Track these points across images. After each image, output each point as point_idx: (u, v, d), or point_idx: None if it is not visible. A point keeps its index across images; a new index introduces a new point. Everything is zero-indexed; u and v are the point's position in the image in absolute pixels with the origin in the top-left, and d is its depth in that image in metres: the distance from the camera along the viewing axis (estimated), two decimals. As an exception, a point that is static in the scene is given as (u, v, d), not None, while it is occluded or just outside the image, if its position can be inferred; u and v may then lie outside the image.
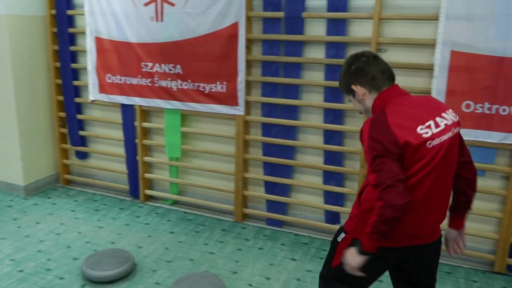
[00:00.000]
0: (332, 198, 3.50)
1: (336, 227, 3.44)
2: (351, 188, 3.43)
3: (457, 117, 1.80)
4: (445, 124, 1.70)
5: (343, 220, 3.52)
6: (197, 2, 3.41)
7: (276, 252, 3.27)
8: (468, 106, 2.91)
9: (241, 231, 3.59)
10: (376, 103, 1.78)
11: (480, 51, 2.79)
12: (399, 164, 1.62)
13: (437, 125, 1.68)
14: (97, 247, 3.27)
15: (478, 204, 3.12)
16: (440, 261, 3.20)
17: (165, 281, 2.87)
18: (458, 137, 1.80)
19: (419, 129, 1.65)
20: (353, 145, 3.36)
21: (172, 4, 3.49)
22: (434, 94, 2.94)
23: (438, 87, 2.93)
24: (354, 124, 3.32)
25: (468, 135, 2.93)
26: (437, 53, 2.88)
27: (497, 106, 2.84)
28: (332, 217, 3.54)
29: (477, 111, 2.90)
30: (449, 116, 1.74)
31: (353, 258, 1.74)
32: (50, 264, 3.04)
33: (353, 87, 1.82)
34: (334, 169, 3.41)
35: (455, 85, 2.90)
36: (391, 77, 1.83)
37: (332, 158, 3.42)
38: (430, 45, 2.96)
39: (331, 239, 3.39)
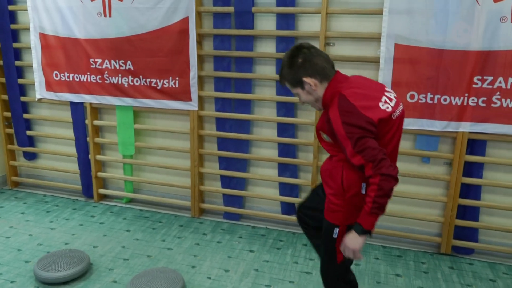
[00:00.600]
0: (287, 189, 3.57)
1: (293, 218, 3.54)
2: (305, 179, 3.51)
3: (394, 93, 1.98)
4: (394, 97, 1.90)
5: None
6: (146, -3, 3.37)
7: (234, 245, 3.31)
8: (412, 97, 3.05)
9: (199, 226, 3.60)
10: (328, 91, 1.88)
11: (421, 43, 2.93)
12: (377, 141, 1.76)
13: (390, 99, 1.86)
14: (50, 249, 3.19)
15: (424, 189, 3.30)
16: (390, 245, 3.37)
17: (123, 279, 2.84)
18: (404, 113, 1.98)
19: (381, 106, 1.81)
20: (306, 137, 3.45)
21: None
22: (380, 86, 3.07)
23: (384, 79, 3.05)
24: (306, 117, 3.41)
25: (413, 124, 3.08)
26: (382, 46, 3.00)
27: (438, 96, 2.99)
28: (288, 208, 3.61)
29: (420, 101, 3.04)
30: (391, 93, 1.93)
31: (355, 241, 1.80)
32: (0, 268, 2.93)
33: (304, 79, 1.87)
34: (288, 161, 3.48)
35: (400, 76, 3.03)
36: (333, 65, 1.95)
37: (286, 150, 3.49)
38: (375, 38, 3.08)
39: (288, 229, 3.49)
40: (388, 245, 3.34)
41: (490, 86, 2.89)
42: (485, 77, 2.88)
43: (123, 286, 2.76)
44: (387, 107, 1.82)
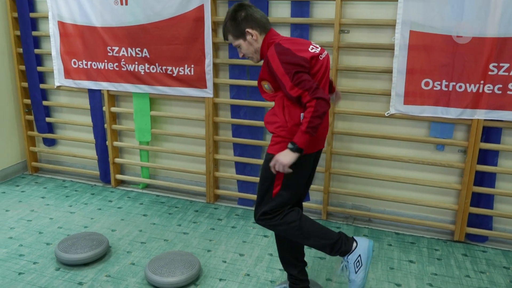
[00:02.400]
0: (300, 176, 3.60)
1: (306, 204, 3.58)
2: (319, 165, 3.50)
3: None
4: (320, 47, 2.20)
5: (313, 197, 3.64)
6: (162, -15, 3.40)
7: (248, 230, 3.37)
8: (427, 84, 3.04)
9: (214, 211, 3.66)
10: (265, 41, 2.19)
11: (437, 30, 2.91)
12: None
13: (316, 47, 2.16)
14: (70, 232, 3.29)
15: (437, 177, 3.30)
16: (404, 232, 3.38)
17: (140, 261, 2.92)
18: (329, 58, 2.27)
19: (310, 49, 2.11)
20: (320, 124, 3.46)
21: (137, -13, 3.48)
22: (395, 73, 3.07)
23: (398, 66, 3.05)
24: (320, 104, 3.42)
25: (428, 111, 3.08)
26: (396, 33, 3.00)
27: (453, 83, 2.98)
28: (301, 195, 3.65)
29: (435, 88, 3.03)
30: (317, 48, 2.19)
31: (287, 157, 2.02)
32: (23, 250, 3.04)
33: (247, 30, 2.16)
34: (302, 148, 3.50)
35: (415, 63, 3.02)
36: (269, 21, 2.24)
37: (300, 137, 3.51)
38: (390, 25, 3.07)
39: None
40: (401, 232, 3.36)
41: (506, 73, 2.87)
42: (501, 64, 2.86)
43: (141, 268, 2.85)
44: (315, 51, 2.13)
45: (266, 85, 2.21)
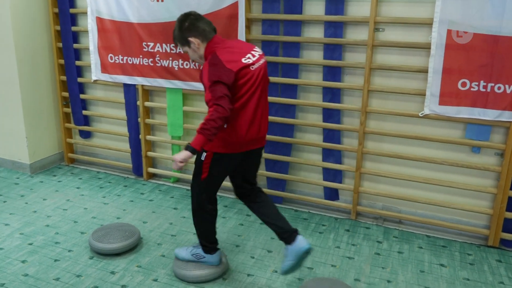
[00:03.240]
0: (330, 175, 3.59)
1: (335, 203, 3.57)
2: (349, 165, 3.51)
3: (261, 51, 2.50)
4: (258, 55, 2.44)
5: (342, 196, 3.62)
6: (197, -18, 3.44)
7: (276, 227, 3.38)
8: (464, 84, 2.97)
9: (243, 207, 3.69)
10: (207, 49, 2.41)
11: (476, 29, 2.83)
12: (229, 89, 2.24)
13: (253, 56, 2.40)
14: (103, 222, 3.38)
15: (472, 180, 3.23)
16: (435, 235, 3.33)
17: (170, 254, 2.98)
18: (266, 65, 2.51)
19: (243, 60, 2.34)
20: (351, 123, 3.44)
21: (173, -16, 3.53)
22: (431, 73, 3.00)
23: (435, 66, 2.99)
24: (352, 103, 3.39)
25: (464, 112, 3.01)
26: (433, 32, 2.93)
27: (492, 84, 2.90)
28: (331, 194, 3.63)
29: (472, 89, 2.96)
30: (257, 51, 2.45)
31: (180, 154, 2.23)
32: (58, 238, 3.16)
33: (189, 39, 2.39)
34: (332, 146, 3.49)
35: (452, 63, 2.95)
36: (214, 29, 2.46)
37: (331, 136, 3.50)
38: (426, 24, 3.01)
39: (330, 214, 3.53)
40: (432, 235, 3.30)
41: (549, 75, 2.77)
42: (543, 65, 2.76)
43: (171, 260, 2.90)
44: (248, 60, 2.35)
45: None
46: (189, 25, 2.39)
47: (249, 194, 2.72)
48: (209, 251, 2.70)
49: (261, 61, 2.43)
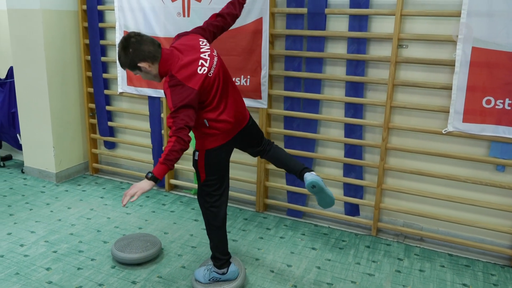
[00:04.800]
0: (351, 190, 3.58)
1: (356, 219, 3.55)
2: (371, 181, 3.50)
3: (206, 41, 2.51)
4: (208, 55, 2.41)
5: (363, 212, 3.60)
6: (223, -2, 3.51)
7: (296, 241, 3.38)
8: (488, 102, 2.95)
9: (263, 220, 3.71)
10: (160, 68, 2.35)
11: (501, 47, 2.82)
12: (194, 112, 2.27)
13: (205, 60, 2.37)
14: (126, 232, 3.44)
15: (496, 198, 3.17)
16: (458, 254, 3.27)
17: (191, 265, 3.01)
18: (220, 60, 2.50)
19: (199, 71, 2.32)
20: (373, 139, 3.43)
21: (199, 0, 3.61)
22: (455, 90, 2.99)
23: (459, 83, 2.97)
24: (374, 118, 3.40)
25: (488, 130, 2.98)
26: (458, 49, 2.93)
27: (517, 102, 2.87)
28: (352, 209, 3.62)
29: (497, 107, 2.93)
30: (205, 47, 2.44)
31: (141, 184, 2.18)
32: (82, 246, 3.22)
33: (139, 64, 2.32)
34: (354, 162, 3.49)
35: (476, 81, 2.94)
36: (159, 45, 2.37)
37: (352, 151, 3.50)
38: (451, 41, 3.00)
39: (350, 230, 3.51)
40: (455, 254, 3.25)
41: None
42: None
43: (191, 272, 2.93)
44: (204, 70, 2.34)
45: None
46: (133, 50, 2.30)
47: (263, 152, 2.85)
48: (222, 266, 2.70)
49: (214, 62, 2.42)
